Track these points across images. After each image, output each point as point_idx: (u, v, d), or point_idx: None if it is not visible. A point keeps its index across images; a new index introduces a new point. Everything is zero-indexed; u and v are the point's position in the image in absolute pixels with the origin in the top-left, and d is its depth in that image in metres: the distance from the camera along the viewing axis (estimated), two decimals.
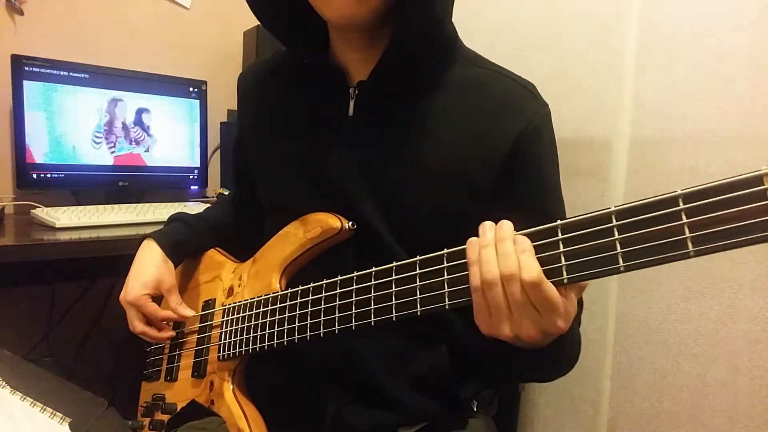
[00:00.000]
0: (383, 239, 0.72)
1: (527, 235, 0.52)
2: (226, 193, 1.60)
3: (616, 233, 0.46)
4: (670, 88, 0.96)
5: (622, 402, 1.06)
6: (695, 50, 0.93)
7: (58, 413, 0.72)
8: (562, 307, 0.50)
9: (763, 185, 0.39)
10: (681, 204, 0.43)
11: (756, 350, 0.89)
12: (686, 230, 0.42)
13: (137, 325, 0.83)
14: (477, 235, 0.55)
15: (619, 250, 0.46)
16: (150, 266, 0.84)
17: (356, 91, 0.74)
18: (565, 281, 0.49)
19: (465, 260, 0.54)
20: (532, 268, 0.49)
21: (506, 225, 0.53)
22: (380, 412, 0.75)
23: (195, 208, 1.41)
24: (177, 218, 0.93)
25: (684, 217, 0.43)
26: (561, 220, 0.50)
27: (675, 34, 0.95)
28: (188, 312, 0.84)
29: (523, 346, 0.55)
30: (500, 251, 0.51)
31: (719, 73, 0.91)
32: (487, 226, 0.54)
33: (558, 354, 0.61)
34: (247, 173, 0.89)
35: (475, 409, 0.82)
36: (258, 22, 1.57)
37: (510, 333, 0.52)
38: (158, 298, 0.85)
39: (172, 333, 0.87)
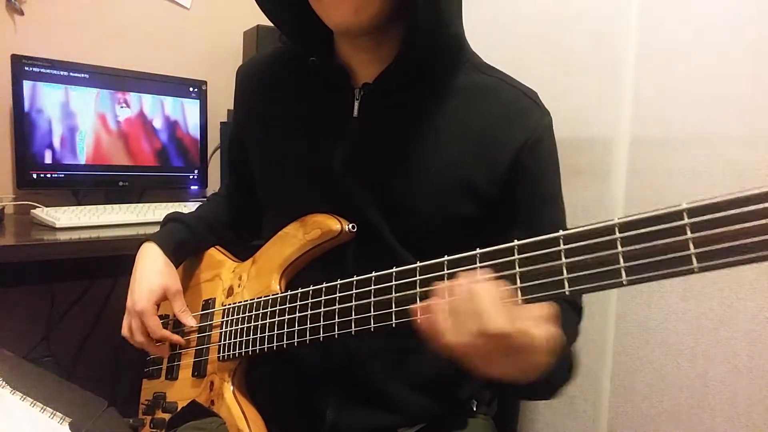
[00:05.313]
0: (385, 241, 0.71)
1: (528, 245, 0.50)
2: None
3: (619, 246, 0.45)
4: (670, 88, 0.96)
5: (622, 402, 1.06)
6: (695, 50, 0.93)
7: (58, 413, 0.72)
8: (541, 343, 0.47)
9: None
10: (686, 218, 0.41)
11: (756, 350, 0.89)
12: (691, 246, 0.41)
13: (138, 336, 0.81)
14: (480, 240, 0.54)
15: (622, 264, 0.44)
16: (155, 271, 0.82)
17: (361, 92, 0.73)
18: (567, 293, 0.48)
19: (465, 267, 0.53)
20: (495, 319, 0.46)
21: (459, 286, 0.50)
22: (380, 413, 0.74)
23: (194, 208, 1.40)
24: (174, 218, 0.92)
25: (689, 231, 0.41)
26: (562, 229, 0.48)
27: (675, 34, 0.95)
28: (191, 321, 0.84)
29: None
30: (454, 313, 0.49)
31: (719, 73, 0.90)
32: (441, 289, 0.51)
33: (550, 377, 0.57)
34: (246, 168, 0.88)
35: (474, 409, 0.82)
36: (258, 22, 1.59)
37: (497, 376, 0.50)
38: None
39: (167, 351, 0.86)
